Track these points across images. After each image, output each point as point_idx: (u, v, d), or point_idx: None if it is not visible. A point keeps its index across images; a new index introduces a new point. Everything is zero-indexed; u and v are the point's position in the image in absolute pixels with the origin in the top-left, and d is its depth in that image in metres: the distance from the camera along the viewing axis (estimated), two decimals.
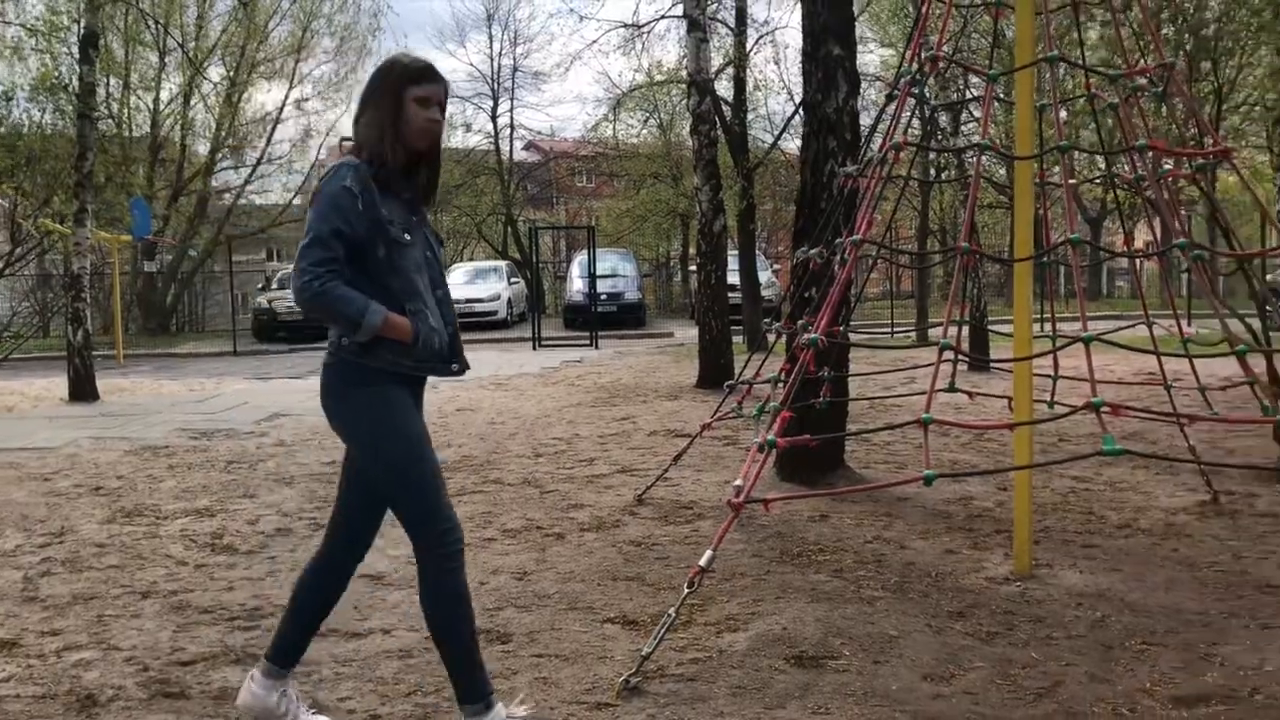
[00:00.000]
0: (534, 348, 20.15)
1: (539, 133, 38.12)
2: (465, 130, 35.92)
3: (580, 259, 25.47)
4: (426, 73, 3.06)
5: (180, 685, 3.79)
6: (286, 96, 31.37)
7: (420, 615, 3.28)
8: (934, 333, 18.64)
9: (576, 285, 25.00)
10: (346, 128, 3.59)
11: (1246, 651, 3.91)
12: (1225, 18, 7.84)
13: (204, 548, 5.74)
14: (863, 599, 4.56)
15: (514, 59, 36.75)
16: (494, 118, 35.17)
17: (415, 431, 3.11)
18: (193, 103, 29.70)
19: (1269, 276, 12.72)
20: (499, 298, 26.47)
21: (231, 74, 29.41)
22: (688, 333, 21.82)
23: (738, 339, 14.82)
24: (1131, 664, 3.83)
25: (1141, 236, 19.48)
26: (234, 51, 29.37)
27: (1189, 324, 5.87)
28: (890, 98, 5.24)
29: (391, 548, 5.61)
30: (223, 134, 30.11)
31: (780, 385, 5.21)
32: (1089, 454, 4.31)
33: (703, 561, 3.90)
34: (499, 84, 35.27)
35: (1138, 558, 5.19)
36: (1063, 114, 5.66)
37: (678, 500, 6.55)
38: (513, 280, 28.19)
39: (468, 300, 25.70)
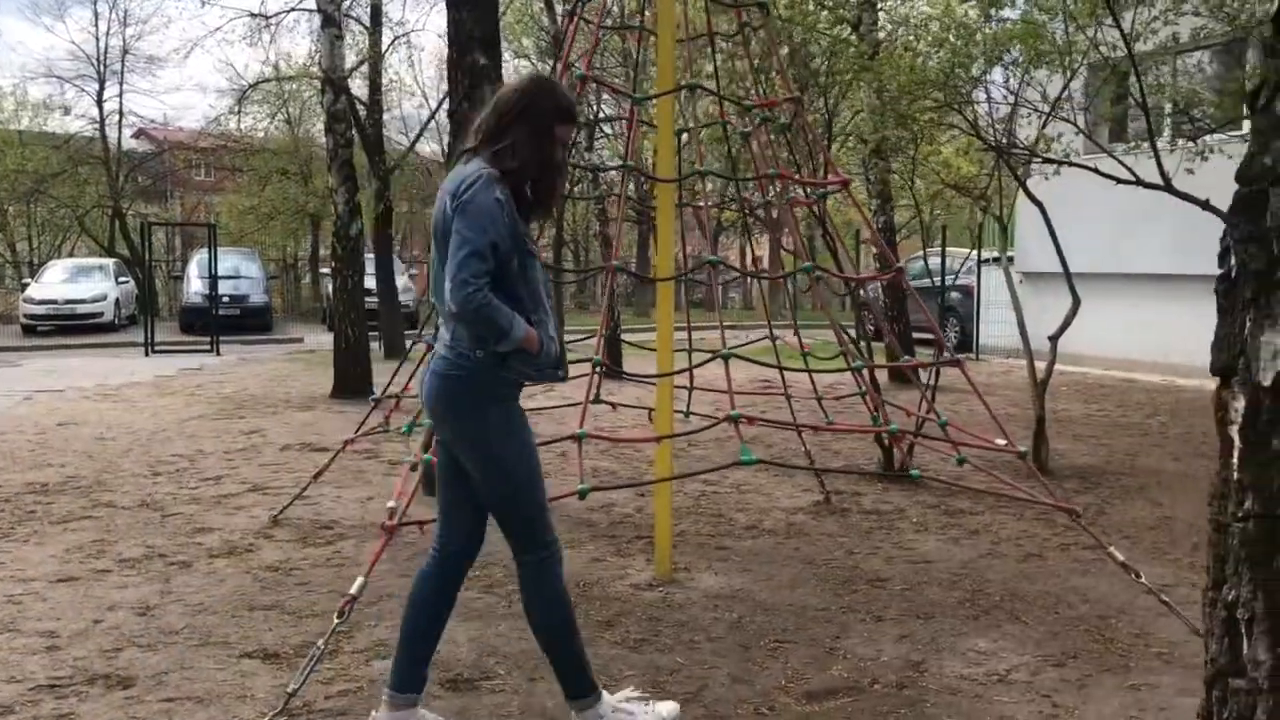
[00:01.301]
0: (146, 354, 18.61)
1: (152, 121, 35.33)
2: (64, 114, 32.70)
3: (199, 258, 23.85)
4: (573, 114, 3.21)
5: None
6: None
7: None
8: (570, 338, 19.07)
9: (195, 286, 23.40)
10: None
11: (865, 644, 4.26)
12: (832, 56, 8.65)
13: None
14: (515, 615, 4.54)
15: (124, 40, 33.77)
16: (100, 102, 32.22)
17: (534, 448, 3.26)
18: None
19: (860, 293, 14.08)
20: (105, 298, 24.22)
21: None
22: (319, 338, 21.04)
23: (374, 345, 14.43)
24: (767, 662, 4.06)
25: (750, 253, 20.99)
26: None
27: (794, 334, 6.35)
28: None
29: None
30: None
31: None
32: (728, 464, 4.53)
33: (353, 589, 3.73)
34: (105, 66, 32.33)
35: (765, 557, 5.54)
36: (700, 137, 5.95)
37: (317, 520, 6.25)
38: (121, 280, 25.90)
39: (67, 301, 23.39)
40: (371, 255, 16.59)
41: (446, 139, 6.86)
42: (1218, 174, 8.74)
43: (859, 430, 6.62)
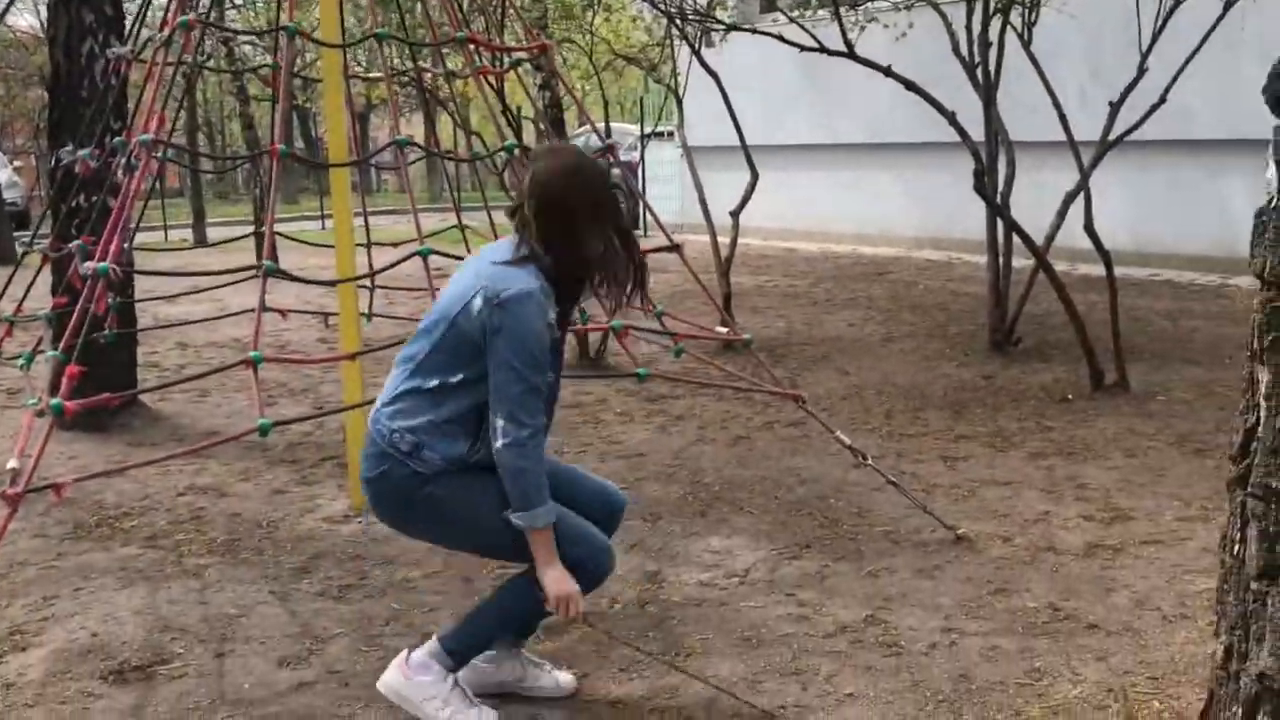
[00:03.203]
0: None
1: None
2: None
3: None
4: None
5: None
6: None
7: None
8: (212, 233, 17.38)
9: None
10: None
11: None
12: None
13: None
14: (188, 572, 3.84)
15: None
16: None
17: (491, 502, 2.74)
18: None
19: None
20: None
21: None
22: None
23: None
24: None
25: (408, 130, 19.83)
26: None
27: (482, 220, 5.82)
28: None
29: None
30: None
31: (52, 324, 4.18)
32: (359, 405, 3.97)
33: None
34: None
35: None
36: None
37: None
38: None
39: None
40: None
41: (45, 8, 5.68)
42: (876, 43, 8.93)
43: (577, 330, 6.24)
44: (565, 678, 2.99)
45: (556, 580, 2.67)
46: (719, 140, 10.27)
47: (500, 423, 2.62)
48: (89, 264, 3.29)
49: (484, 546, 2.94)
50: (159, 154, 3.59)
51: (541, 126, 7.40)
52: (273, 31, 4.30)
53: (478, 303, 2.63)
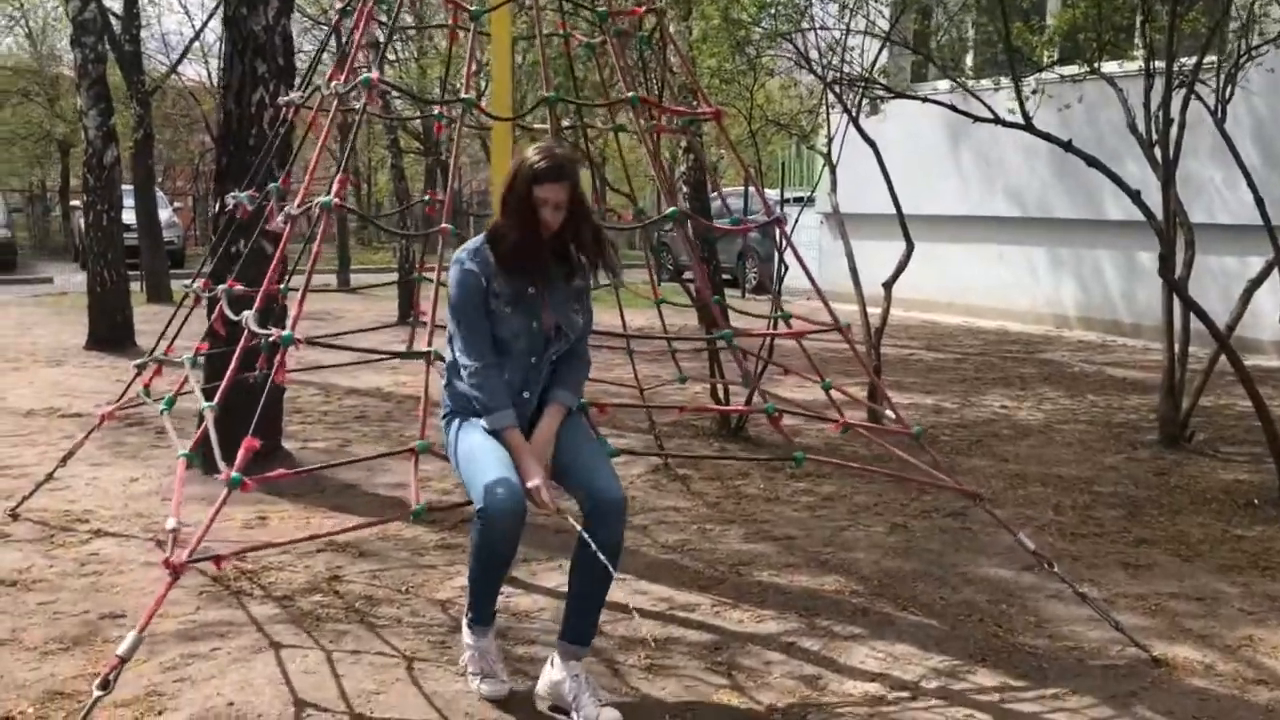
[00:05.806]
0: None
1: None
2: None
3: None
4: (548, 174, 3.07)
5: None
6: None
7: None
8: (355, 279, 17.80)
9: None
10: None
11: (749, 656, 3.64)
12: None
13: None
14: (326, 637, 3.70)
15: None
16: None
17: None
18: None
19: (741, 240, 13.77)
20: None
21: None
22: (72, 279, 18.93)
23: (135, 286, 12.88)
24: (642, 687, 3.39)
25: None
26: None
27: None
28: (345, 13, 4.30)
29: None
30: None
31: (199, 366, 4.09)
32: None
33: (122, 649, 2.80)
34: None
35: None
36: (531, 56, 5.10)
37: (69, 511, 5.13)
38: None
39: None
40: (130, 187, 14.79)
41: (221, 57, 5.78)
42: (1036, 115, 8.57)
43: (731, 410, 6.00)
44: (610, 714, 3.05)
45: (525, 473, 3.07)
46: (860, 208, 9.99)
47: (457, 356, 3.18)
48: (273, 331, 3.23)
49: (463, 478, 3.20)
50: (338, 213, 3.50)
51: (684, 189, 7.27)
52: (450, 103, 4.21)
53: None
